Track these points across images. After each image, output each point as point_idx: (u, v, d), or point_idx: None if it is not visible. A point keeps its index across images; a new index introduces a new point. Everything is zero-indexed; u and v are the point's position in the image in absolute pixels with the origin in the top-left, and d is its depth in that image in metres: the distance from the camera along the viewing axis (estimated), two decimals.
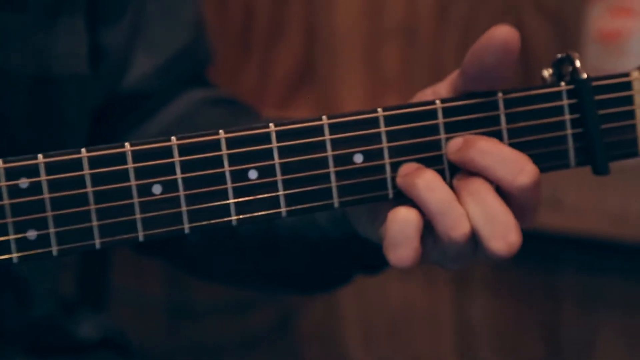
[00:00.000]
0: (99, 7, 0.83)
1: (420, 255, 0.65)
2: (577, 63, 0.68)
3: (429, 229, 0.66)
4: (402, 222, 0.64)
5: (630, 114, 0.69)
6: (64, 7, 0.79)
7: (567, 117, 0.68)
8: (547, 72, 0.69)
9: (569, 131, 0.68)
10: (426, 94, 0.69)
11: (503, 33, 0.64)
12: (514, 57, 0.64)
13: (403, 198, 0.67)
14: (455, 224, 0.64)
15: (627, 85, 0.69)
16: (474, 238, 0.65)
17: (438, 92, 0.69)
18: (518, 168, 0.64)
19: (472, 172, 0.66)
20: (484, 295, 1.29)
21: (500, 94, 0.67)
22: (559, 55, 0.69)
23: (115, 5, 0.85)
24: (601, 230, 1.13)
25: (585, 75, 0.67)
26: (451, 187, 0.66)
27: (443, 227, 0.64)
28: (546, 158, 0.68)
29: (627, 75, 0.69)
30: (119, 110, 0.87)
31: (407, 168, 0.66)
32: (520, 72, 1.22)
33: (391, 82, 1.29)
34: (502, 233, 0.64)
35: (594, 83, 0.68)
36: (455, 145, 0.66)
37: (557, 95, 0.68)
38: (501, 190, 0.65)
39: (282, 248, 0.81)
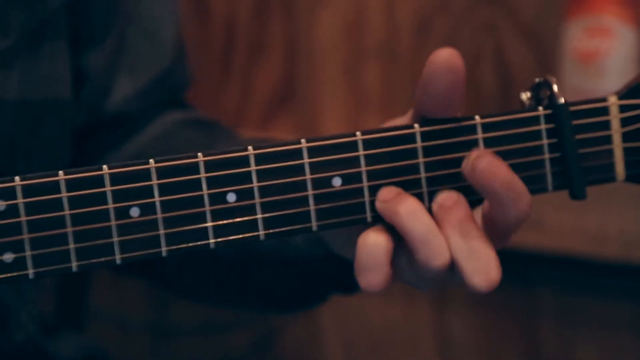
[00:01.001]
0: (82, 31, 0.83)
1: (389, 278, 0.65)
2: (555, 88, 0.68)
3: (401, 249, 0.66)
4: (371, 246, 0.64)
5: (608, 139, 0.69)
6: (47, 32, 0.79)
7: (545, 141, 0.68)
8: (525, 96, 0.70)
9: (547, 155, 0.68)
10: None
11: (444, 55, 0.65)
12: (461, 76, 0.65)
13: (381, 222, 0.67)
14: (435, 254, 0.64)
15: (604, 110, 0.69)
16: (452, 266, 0.65)
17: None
18: (523, 201, 0.65)
19: (453, 196, 0.66)
20: (464, 314, 1.29)
21: (478, 118, 0.68)
22: (537, 80, 0.69)
23: (97, 29, 0.85)
24: (580, 250, 1.13)
25: (562, 100, 0.68)
26: (430, 211, 0.66)
27: (424, 256, 0.64)
28: (524, 182, 0.67)
29: (604, 100, 0.69)
30: (100, 132, 0.87)
31: (387, 193, 0.66)
32: (499, 90, 1.22)
33: (372, 100, 1.29)
34: (483, 270, 0.64)
35: (572, 108, 0.68)
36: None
37: (535, 120, 0.68)
38: (492, 216, 0.66)
39: (259, 267, 0.81)
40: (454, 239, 0.64)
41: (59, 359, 0.87)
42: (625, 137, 0.69)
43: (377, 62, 1.28)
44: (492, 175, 0.64)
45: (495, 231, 0.66)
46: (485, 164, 0.64)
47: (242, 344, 1.39)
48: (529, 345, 1.27)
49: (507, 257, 0.67)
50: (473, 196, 0.67)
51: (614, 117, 0.69)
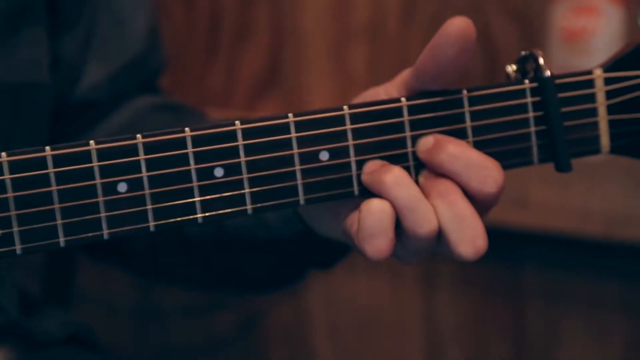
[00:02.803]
0: (57, 16, 0.84)
1: (393, 245, 0.65)
2: (541, 60, 0.68)
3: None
4: (379, 213, 0.65)
5: (593, 112, 0.69)
6: (27, 17, 0.79)
7: (531, 114, 0.69)
8: (511, 69, 0.70)
9: (533, 129, 0.69)
10: (378, 93, 0.70)
11: (459, 23, 0.65)
12: (472, 45, 0.65)
13: (368, 195, 0.67)
14: (423, 220, 0.64)
15: (590, 83, 0.69)
16: (439, 235, 0.65)
17: (389, 92, 0.69)
18: (486, 175, 0.65)
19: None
20: (450, 293, 1.30)
21: (465, 92, 0.68)
22: (523, 53, 0.69)
23: (70, 15, 0.86)
24: (565, 227, 1.14)
25: (548, 73, 0.68)
26: (417, 184, 0.66)
27: (411, 223, 0.65)
28: (510, 155, 0.68)
29: (589, 73, 0.69)
30: (69, 117, 0.88)
31: (372, 165, 0.67)
32: (486, 71, 1.23)
33: (358, 82, 1.29)
34: (470, 238, 0.65)
35: (557, 81, 0.68)
36: (425, 145, 0.67)
37: (521, 93, 0.68)
38: (467, 192, 0.66)
39: (231, 248, 0.81)
40: (441, 207, 0.65)
41: (41, 337, 0.87)
42: (610, 109, 0.70)
43: (362, 44, 1.28)
44: (436, 151, 0.66)
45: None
46: (429, 142, 0.66)
47: (227, 325, 1.39)
48: (515, 324, 1.27)
49: (493, 236, 0.67)
50: None
51: (599, 90, 0.69)
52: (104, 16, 0.88)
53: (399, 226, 0.66)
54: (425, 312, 1.31)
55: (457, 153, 0.65)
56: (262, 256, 0.81)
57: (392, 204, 0.65)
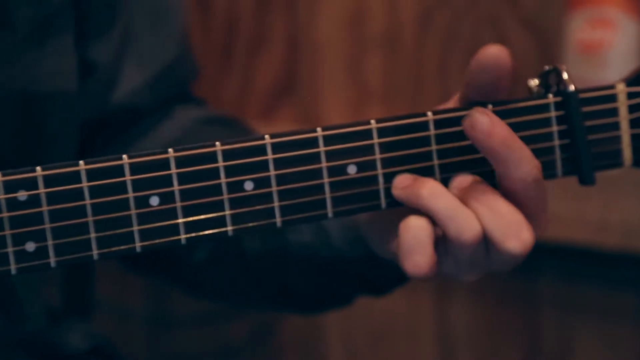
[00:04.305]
0: (88, 22, 0.84)
1: (435, 262, 0.66)
2: (565, 75, 0.69)
3: (439, 240, 0.67)
4: (415, 228, 0.66)
5: (615, 126, 0.70)
6: (53, 25, 0.79)
7: (555, 128, 0.70)
8: (533, 83, 0.71)
9: (557, 142, 0.70)
10: None
11: (493, 51, 0.67)
12: (508, 72, 0.67)
13: (395, 208, 0.68)
14: (465, 225, 0.65)
15: (613, 98, 0.70)
16: (485, 241, 0.66)
17: None
18: (527, 168, 0.66)
19: (469, 177, 0.67)
20: (465, 304, 1.30)
21: (490, 106, 0.69)
22: (547, 67, 0.70)
23: (104, 20, 0.85)
24: (581, 239, 1.14)
25: (572, 87, 0.69)
26: None
27: (454, 231, 0.65)
28: None
29: (612, 87, 0.70)
30: (112, 127, 0.87)
31: (404, 180, 0.68)
32: None
33: (374, 91, 1.30)
34: (514, 231, 0.65)
35: (581, 95, 0.70)
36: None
37: (545, 107, 0.69)
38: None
39: (292, 267, 0.81)
40: (480, 209, 0.65)
41: (66, 349, 0.88)
42: (633, 123, 0.71)
43: (378, 54, 1.29)
44: (490, 132, 0.65)
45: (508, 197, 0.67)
46: (485, 122, 0.65)
47: (241, 334, 1.40)
48: (530, 335, 1.28)
49: None
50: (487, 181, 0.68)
51: (622, 104, 0.70)
52: (139, 18, 0.87)
53: (444, 241, 0.67)
54: (440, 322, 1.31)
55: (507, 139, 0.65)
56: (320, 275, 0.81)
57: (433, 216, 0.66)
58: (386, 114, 1.30)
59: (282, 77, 1.34)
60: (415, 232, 0.66)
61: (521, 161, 0.66)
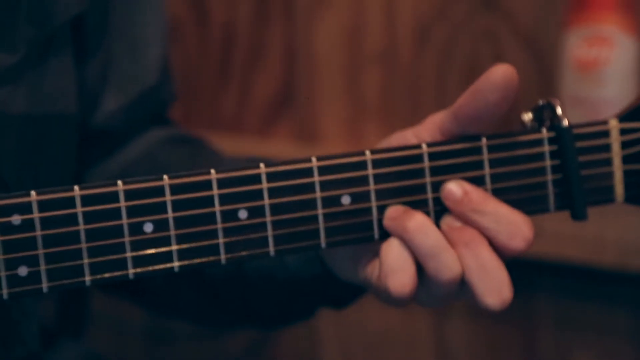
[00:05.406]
0: (83, 42, 0.84)
1: (416, 282, 0.66)
2: (559, 110, 0.69)
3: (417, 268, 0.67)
4: (398, 248, 0.66)
5: (608, 162, 0.71)
6: (54, 47, 0.79)
7: (548, 162, 0.70)
8: (527, 117, 0.71)
9: (549, 177, 0.70)
10: (406, 136, 0.71)
11: (505, 70, 0.66)
12: (514, 94, 0.67)
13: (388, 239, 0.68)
14: (445, 268, 0.65)
15: (606, 133, 0.71)
16: (462, 282, 0.66)
17: (420, 135, 0.70)
18: (514, 231, 0.66)
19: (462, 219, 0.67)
20: (462, 320, 1.30)
21: (484, 140, 0.69)
22: (540, 102, 0.70)
23: (93, 41, 0.86)
24: (578, 257, 1.14)
25: (566, 123, 0.69)
26: (439, 228, 0.67)
27: (433, 269, 0.66)
28: (526, 203, 0.70)
29: (605, 123, 0.71)
30: (86, 146, 0.87)
31: (394, 211, 0.68)
32: None
33: (371, 106, 1.30)
34: (496, 289, 0.66)
35: (574, 130, 0.70)
36: (452, 194, 0.68)
37: (539, 142, 0.70)
38: (492, 244, 0.67)
39: (248, 287, 0.82)
40: (467, 257, 0.66)
41: None
42: (626, 159, 0.71)
43: (376, 68, 1.29)
44: (461, 200, 0.67)
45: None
46: (457, 193, 0.67)
47: (238, 348, 1.40)
48: (527, 352, 1.28)
49: (506, 264, 0.68)
50: None
51: (615, 140, 0.71)
52: (120, 43, 0.88)
53: (421, 272, 0.67)
54: (437, 339, 1.31)
55: (487, 207, 0.66)
56: (279, 295, 0.82)
57: (415, 250, 0.66)
58: (383, 129, 1.30)
59: (280, 92, 1.34)
60: (399, 251, 0.66)
61: (499, 224, 0.66)
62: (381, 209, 0.68)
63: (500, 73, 0.66)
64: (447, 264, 0.65)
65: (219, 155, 0.90)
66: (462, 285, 0.67)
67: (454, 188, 0.68)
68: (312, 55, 1.31)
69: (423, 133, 0.70)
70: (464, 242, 0.66)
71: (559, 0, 1.17)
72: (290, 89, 1.34)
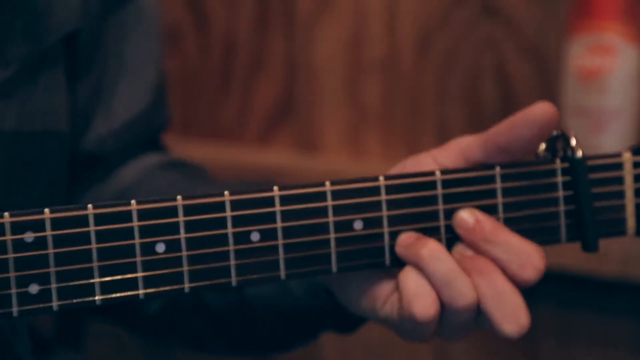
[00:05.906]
0: (75, 61, 0.83)
1: (439, 308, 0.66)
2: (573, 142, 0.69)
3: None
4: (416, 276, 0.66)
5: (621, 194, 0.71)
6: (45, 64, 0.78)
7: (561, 193, 0.70)
8: (540, 147, 0.71)
9: (562, 207, 0.70)
10: (422, 160, 0.70)
11: (547, 109, 0.67)
12: (549, 132, 0.67)
13: (399, 265, 0.68)
14: (460, 294, 0.66)
15: (619, 166, 0.71)
16: (478, 309, 0.66)
17: (438, 159, 0.70)
18: (525, 261, 0.66)
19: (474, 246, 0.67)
20: None
21: (498, 169, 0.69)
22: (554, 133, 0.70)
23: (86, 61, 0.84)
24: (580, 267, 1.14)
25: (580, 154, 0.69)
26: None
27: (449, 297, 0.66)
28: (538, 233, 0.70)
29: (619, 155, 0.71)
30: (75, 171, 0.85)
31: (407, 238, 0.68)
32: (500, 108, 1.23)
33: (372, 115, 1.30)
34: (513, 315, 0.66)
35: (588, 162, 0.70)
36: (464, 222, 0.68)
37: (552, 172, 0.70)
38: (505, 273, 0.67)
39: (253, 318, 0.81)
40: (482, 286, 0.66)
41: None
42: (638, 192, 0.71)
43: (377, 78, 1.29)
44: (473, 229, 0.67)
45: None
46: (470, 221, 0.67)
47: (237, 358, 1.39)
48: None
49: None
50: None
51: (628, 173, 0.71)
52: (113, 67, 0.86)
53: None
54: (438, 348, 1.31)
55: (498, 238, 0.66)
56: (283, 325, 0.81)
57: (429, 278, 0.66)
58: (384, 138, 1.30)
59: (280, 101, 1.34)
60: (417, 277, 0.66)
61: (510, 254, 0.66)
62: (393, 235, 0.68)
63: (541, 110, 0.66)
64: (461, 291, 0.65)
65: (210, 179, 0.89)
66: (479, 314, 0.67)
67: (466, 216, 0.68)
68: (313, 63, 1.31)
69: (442, 156, 0.70)
70: (478, 271, 0.66)
71: (561, 8, 1.17)
72: (291, 98, 1.34)
